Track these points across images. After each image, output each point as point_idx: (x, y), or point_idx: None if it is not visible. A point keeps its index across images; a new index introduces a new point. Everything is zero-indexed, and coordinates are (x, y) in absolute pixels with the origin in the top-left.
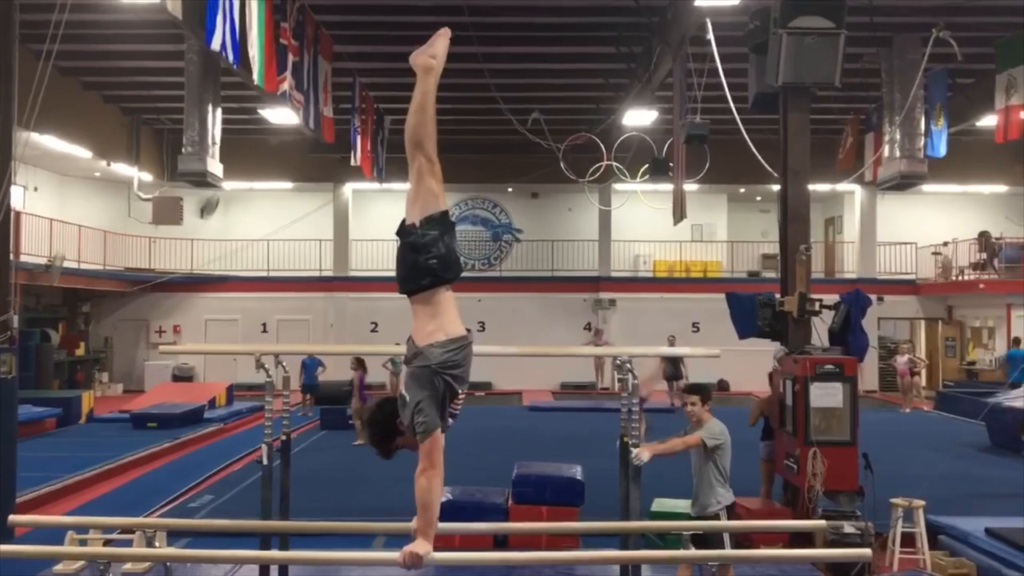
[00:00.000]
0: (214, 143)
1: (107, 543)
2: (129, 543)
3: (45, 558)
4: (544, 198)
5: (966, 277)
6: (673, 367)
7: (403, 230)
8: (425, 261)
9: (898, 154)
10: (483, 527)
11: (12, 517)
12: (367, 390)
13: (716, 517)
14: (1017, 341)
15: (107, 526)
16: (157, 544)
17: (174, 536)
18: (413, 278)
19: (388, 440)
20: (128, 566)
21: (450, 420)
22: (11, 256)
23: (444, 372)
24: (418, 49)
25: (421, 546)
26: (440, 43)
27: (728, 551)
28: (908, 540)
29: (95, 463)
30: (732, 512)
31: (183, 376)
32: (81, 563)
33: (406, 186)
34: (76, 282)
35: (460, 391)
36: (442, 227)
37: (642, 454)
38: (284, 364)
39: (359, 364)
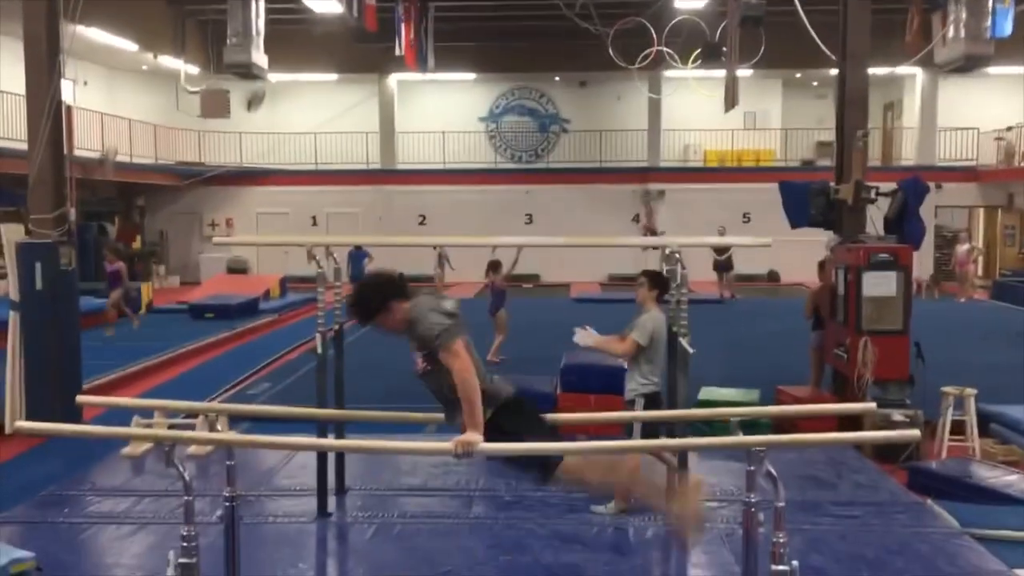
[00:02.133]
0: (258, 34)
1: (171, 427)
2: (192, 427)
3: (113, 439)
4: (592, 87)
5: None
6: (724, 258)
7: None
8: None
9: (963, 33)
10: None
11: (80, 397)
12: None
13: (632, 404)
14: None
15: (171, 409)
16: (219, 428)
17: (235, 421)
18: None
19: (369, 312)
20: (192, 449)
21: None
22: (65, 150)
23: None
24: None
25: (472, 436)
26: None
27: (777, 436)
28: (958, 428)
29: (157, 352)
30: (655, 402)
31: (237, 268)
32: (147, 445)
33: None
34: (129, 176)
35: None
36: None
37: (585, 338)
38: (335, 256)
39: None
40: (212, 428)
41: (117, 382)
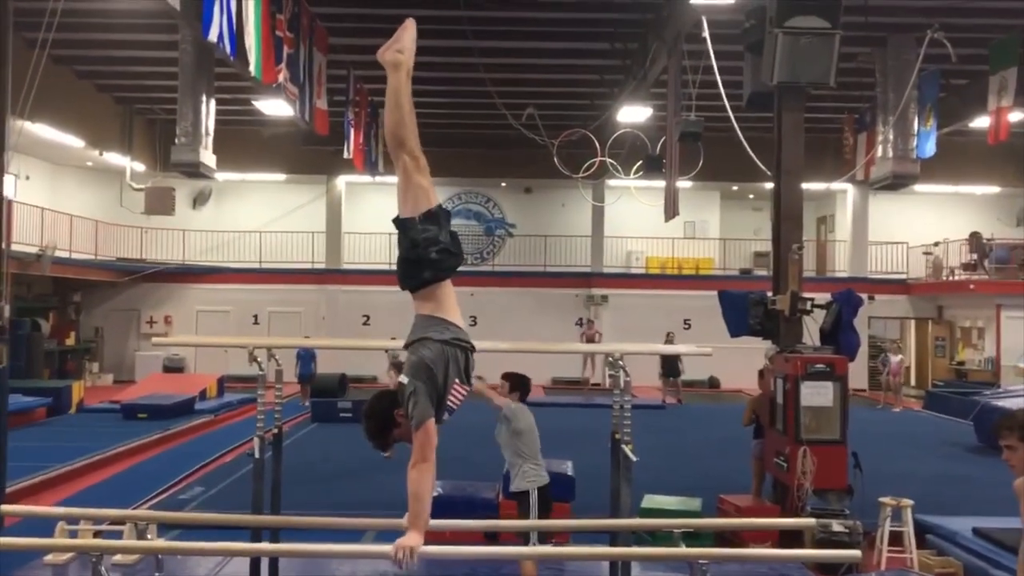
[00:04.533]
0: (208, 134)
1: (97, 534)
2: (119, 534)
3: (35, 549)
4: (538, 193)
5: (957, 277)
6: (671, 364)
7: (403, 223)
8: (427, 255)
9: (891, 154)
10: (474, 524)
11: (2, 507)
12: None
13: (525, 495)
14: None
15: (97, 517)
16: (148, 536)
17: (164, 527)
18: (414, 274)
19: (385, 432)
20: (118, 557)
21: (446, 415)
22: (2, 245)
23: (453, 345)
24: (384, 45)
25: (413, 539)
26: (406, 36)
27: (720, 550)
28: (896, 539)
29: (85, 453)
30: (546, 492)
31: (174, 367)
32: (71, 554)
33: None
34: (67, 271)
35: (459, 380)
36: (439, 221)
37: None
38: (277, 357)
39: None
40: (141, 535)
41: (44, 484)
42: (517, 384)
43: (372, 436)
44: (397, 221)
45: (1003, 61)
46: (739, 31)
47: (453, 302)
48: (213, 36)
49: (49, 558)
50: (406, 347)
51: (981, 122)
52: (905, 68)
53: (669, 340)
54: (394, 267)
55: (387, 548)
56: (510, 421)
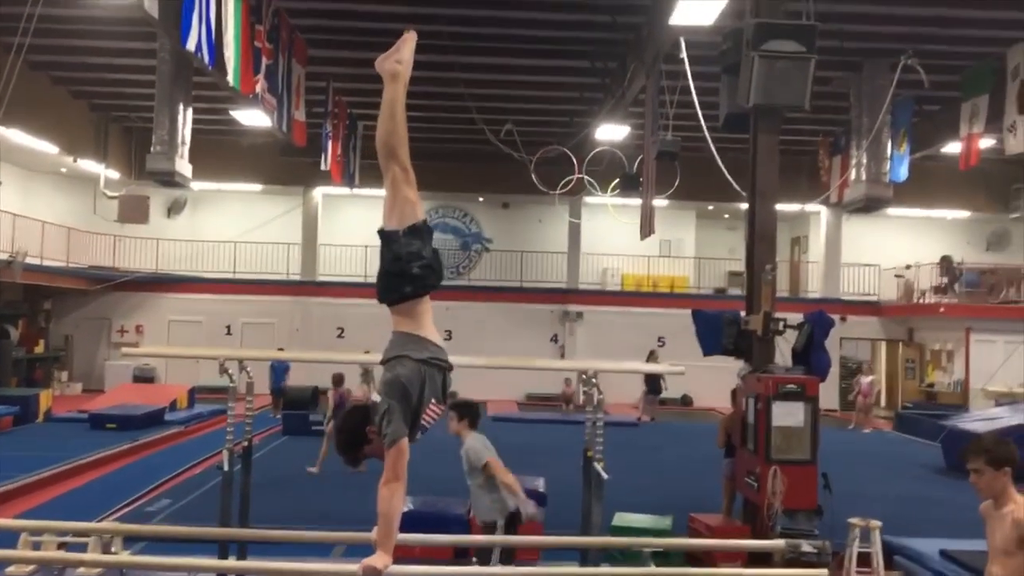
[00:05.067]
0: (184, 143)
1: (61, 547)
2: (84, 547)
3: None
4: (515, 209)
5: (927, 300)
6: (653, 382)
7: (387, 235)
8: (409, 270)
9: (864, 177)
10: (443, 539)
11: None
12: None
13: (493, 525)
14: None
15: (62, 530)
16: (113, 549)
17: (130, 541)
18: (395, 287)
19: (356, 448)
20: (82, 571)
21: (419, 434)
22: None
23: (431, 364)
24: (383, 54)
25: (380, 559)
26: (406, 48)
27: (689, 570)
28: (864, 560)
29: (51, 463)
30: (515, 519)
31: (144, 377)
32: (33, 567)
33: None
34: (38, 279)
35: (435, 400)
36: (423, 236)
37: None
38: (248, 369)
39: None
40: (105, 549)
41: (8, 494)
42: (465, 412)
43: (343, 450)
44: (381, 233)
45: (975, 89)
46: (716, 53)
47: (430, 319)
48: (191, 45)
49: (11, 570)
50: (383, 363)
51: (953, 148)
52: (879, 93)
53: (653, 358)
54: (370, 280)
55: (353, 567)
56: (469, 461)
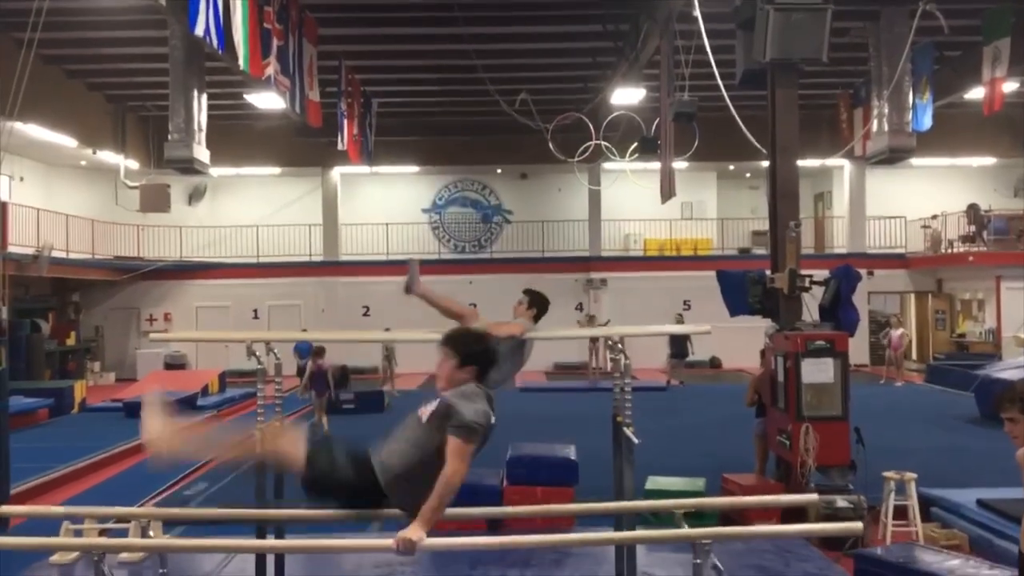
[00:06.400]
0: (200, 129)
1: (102, 533)
2: (124, 533)
3: (40, 549)
4: (533, 179)
5: (955, 250)
6: (678, 345)
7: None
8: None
9: (886, 128)
10: (477, 511)
11: (5, 507)
12: None
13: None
14: None
15: (102, 515)
16: (152, 533)
17: (169, 524)
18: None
19: (467, 355)
20: (123, 555)
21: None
22: None
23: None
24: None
25: (415, 531)
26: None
27: (723, 528)
28: (901, 513)
29: (89, 453)
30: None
31: (175, 364)
32: (76, 553)
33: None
34: (65, 272)
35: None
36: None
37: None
38: (276, 351)
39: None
40: (144, 533)
41: (47, 484)
42: (536, 301)
43: (458, 342)
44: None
45: (996, 32)
46: (730, 9)
47: None
48: (200, 30)
49: (55, 558)
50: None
51: (976, 93)
52: (898, 41)
53: (679, 320)
54: (391, 258)
55: (388, 541)
56: (522, 352)
